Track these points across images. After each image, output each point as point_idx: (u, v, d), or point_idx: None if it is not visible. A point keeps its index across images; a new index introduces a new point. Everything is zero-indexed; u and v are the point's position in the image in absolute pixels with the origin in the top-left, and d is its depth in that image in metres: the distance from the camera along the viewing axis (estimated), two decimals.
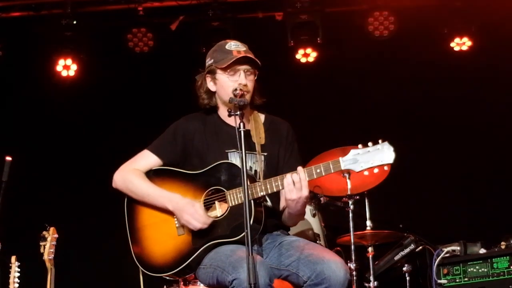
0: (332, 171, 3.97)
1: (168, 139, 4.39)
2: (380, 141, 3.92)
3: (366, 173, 3.94)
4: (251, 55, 4.26)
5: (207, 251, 4.16)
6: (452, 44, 7.69)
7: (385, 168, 3.90)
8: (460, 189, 7.60)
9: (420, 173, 7.54)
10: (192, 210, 4.15)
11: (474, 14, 7.57)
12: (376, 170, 3.93)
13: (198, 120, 4.40)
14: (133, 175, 4.35)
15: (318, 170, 3.99)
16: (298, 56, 7.70)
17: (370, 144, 3.93)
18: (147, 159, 4.38)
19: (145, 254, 4.33)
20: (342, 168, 3.94)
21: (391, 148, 3.89)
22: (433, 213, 7.48)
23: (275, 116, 4.52)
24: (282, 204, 4.33)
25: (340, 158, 3.96)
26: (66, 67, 7.62)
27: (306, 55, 7.69)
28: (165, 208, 4.26)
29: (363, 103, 7.75)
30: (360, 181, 5.83)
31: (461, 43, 7.67)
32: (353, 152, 3.94)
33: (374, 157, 3.90)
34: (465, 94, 7.69)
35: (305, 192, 3.99)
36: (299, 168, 4.01)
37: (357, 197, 5.85)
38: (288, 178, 4.00)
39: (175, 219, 4.25)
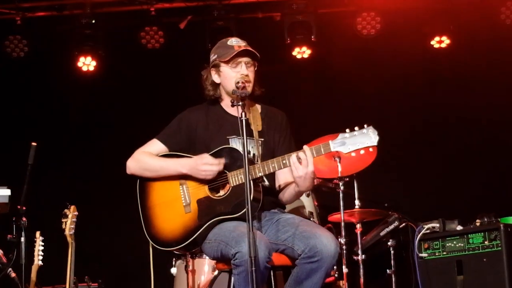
0: (323, 152, 3.99)
1: (174, 129, 4.41)
2: (365, 125, 3.93)
3: (353, 154, 3.94)
4: (250, 49, 4.28)
5: (212, 227, 4.16)
6: (432, 42, 7.61)
7: (370, 149, 3.91)
8: (440, 172, 7.57)
9: (404, 157, 7.56)
10: (203, 165, 4.15)
11: (453, 15, 7.56)
12: (362, 152, 3.93)
13: (201, 111, 4.42)
14: (144, 155, 4.37)
15: None
16: (294, 53, 7.65)
17: (356, 128, 3.94)
18: (155, 146, 4.38)
19: (155, 231, 4.32)
20: (332, 150, 3.94)
21: (375, 132, 3.89)
22: (415, 193, 7.49)
23: (271, 106, 4.52)
24: (279, 183, 4.36)
25: (330, 141, 3.96)
26: (86, 62, 7.64)
27: (302, 52, 7.65)
28: (181, 174, 4.23)
29: (353, 95, 7.74)
30: (350, 164, 5.82)
31: (440, 41, 7.62)
32: (341, 135, 3.95)
33: (360, 140, 3.90)
34: (443, 87, 7.65)
35: (310, 168, 3.95)
36: (305, 147, 3.98)
37: (347, 179, 5.85)
38: (293, 157, 3.98)
39: (182, 198, 4.26)
